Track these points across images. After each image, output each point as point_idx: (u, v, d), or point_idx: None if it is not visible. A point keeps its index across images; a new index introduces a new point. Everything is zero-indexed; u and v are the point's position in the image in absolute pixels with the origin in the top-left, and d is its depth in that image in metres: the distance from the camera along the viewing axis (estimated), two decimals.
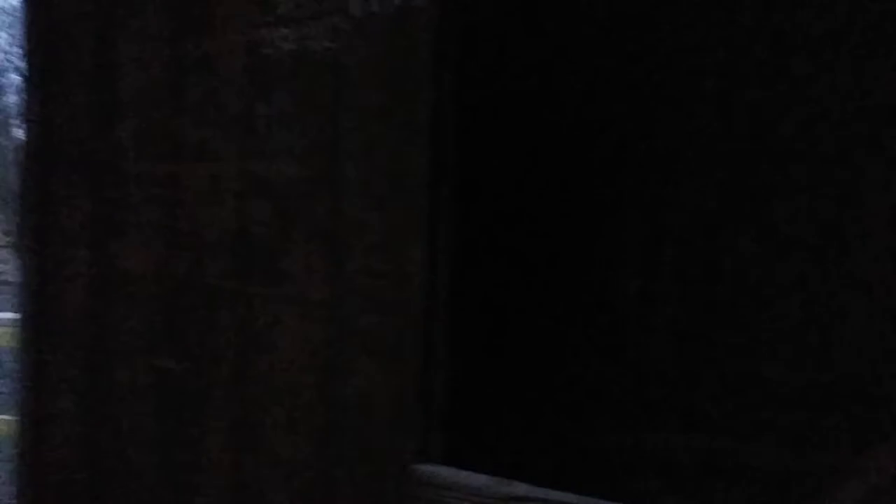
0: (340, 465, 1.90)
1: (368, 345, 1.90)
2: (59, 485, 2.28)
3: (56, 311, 2.36)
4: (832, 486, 1.61)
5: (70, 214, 2.34)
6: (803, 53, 2.07)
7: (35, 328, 2.40)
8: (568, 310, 2.15)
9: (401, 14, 1.93)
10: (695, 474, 2.18)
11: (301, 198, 2.02)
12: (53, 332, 2.36)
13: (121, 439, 2.19)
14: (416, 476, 1.77)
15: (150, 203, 2.19)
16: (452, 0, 1.92)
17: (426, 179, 1.90)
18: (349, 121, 1.98)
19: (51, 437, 2.31)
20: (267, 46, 2.10)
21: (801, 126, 2.14)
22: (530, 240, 2.10)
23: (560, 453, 2.15)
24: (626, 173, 2.20)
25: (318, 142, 2.02)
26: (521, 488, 1.59)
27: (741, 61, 2.11)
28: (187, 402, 2.07)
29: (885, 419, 1.93)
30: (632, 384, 2.26)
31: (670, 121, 2.17)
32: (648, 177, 2.20)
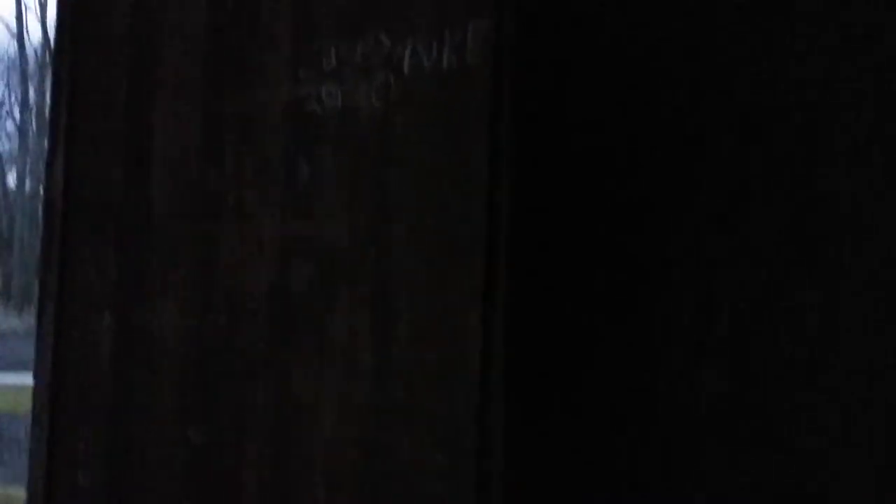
0: None
1: (418, 418, 1.78)
2: None
3: (75, 379, 2.23)
4: None
5: (94, 275, 2.22)
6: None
7: (51, 396, 2.27)
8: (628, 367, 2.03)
9: (455, 72, 1.86)
10: None
11: (346, 259, 1.91)
12: (72, 400, 2.23)
13: None
14: None
15: (183, 264, 2.09)
16: (509, 55, 1.85)
17: (482, 240, 1.80)
18: (399, 179, 1.89)
19: None
20: (311, 103, 2.02)
21: None
22: (583, 305, 2.00)
23: None
24: (676, 239, 2.10)
25: (365, 200, 1.92)
26: None
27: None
28: (219, 479, 1.93)
29: None
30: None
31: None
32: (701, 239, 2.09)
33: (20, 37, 17.51)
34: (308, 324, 1.90)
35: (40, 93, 17.43)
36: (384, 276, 1.87)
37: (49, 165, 2.39)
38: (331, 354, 1.88)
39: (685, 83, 2.10)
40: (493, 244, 1.81)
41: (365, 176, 1.93)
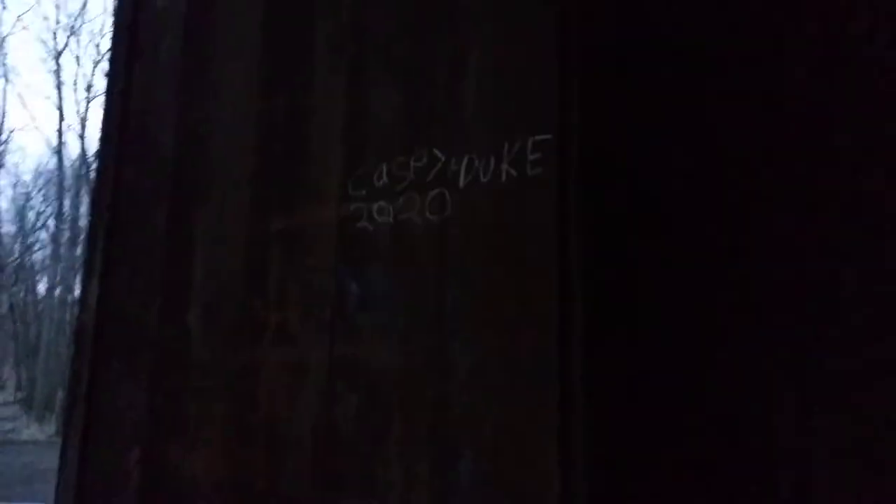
0: None
1: None
2: None
3: None
4: None
5: (124, 406, 2.06)
6: None
7: None
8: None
9: (515, 184, 1.73)
10: None
11: (400, 387, 1.74)
12: None
13: None
14: None
15: (219, 396, 1.92)
16: (574, 165, 1.71)
17: (554, 369, 1.63)
18: (459, 297, 1.73)
19: None
20: (361, 220, 1.89)
21: None
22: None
23: None
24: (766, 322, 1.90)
25: (420, 321, 1.76)
26: None
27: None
28: None
29: None
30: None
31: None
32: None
33: (59, 151, 18.00)
34: (357, 463, 1.72)
35: (75, 204, 17.77)
36: (444, 408, 1.69)
37: (84, 288, 2.26)
38: (386, 497, 1.69)
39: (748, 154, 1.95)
40: (567, 373, 1.64)
41: (421, 294, 1.77)
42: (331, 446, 1.77)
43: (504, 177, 1.75)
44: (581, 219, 1.69)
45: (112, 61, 2.49)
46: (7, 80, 24.35)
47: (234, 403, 1.90)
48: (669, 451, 1.83)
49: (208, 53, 2.26)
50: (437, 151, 1.83)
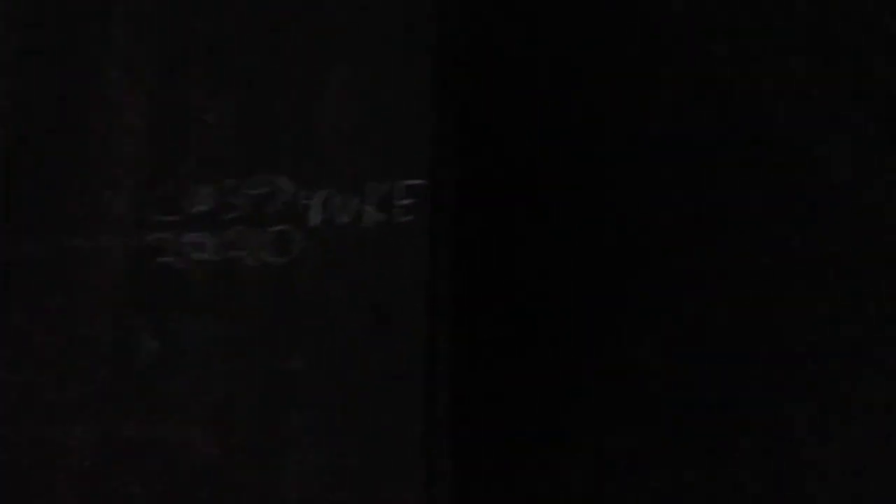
0: None
1: None
2: None
3: None
4: None
5: None
6: None
7: None
8: None
9: (382, 230, 1.43)
10: None
11: (214, 480, 1.31)
12: None
13: None
14: None
15: None
16: (449, 214, 1.46)
17: (419, 456, 1.31)
18: (302, 360, 1.36)
19: None
20: (165, 254, 1.46)
21: None
22: None
23: None
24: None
25: (248, 391, 1.36)
26: None
27: None
28: None
29: None
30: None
31: None
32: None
33: None
34: None
35: None
36: None
37: None
38: None
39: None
40: (433, 463, 1.32)
41: (250, 356, 1.38)
42: None
43: (367, 220, 1.45)
44: (455, 273, 1.43)
45: None
46: None
47: None
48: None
49: None
50: (282, 180, 1.49)
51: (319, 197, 1.47)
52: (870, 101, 1.72)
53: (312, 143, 1.49)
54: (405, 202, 1.44)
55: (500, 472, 1.54)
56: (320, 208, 1.47)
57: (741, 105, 1.77)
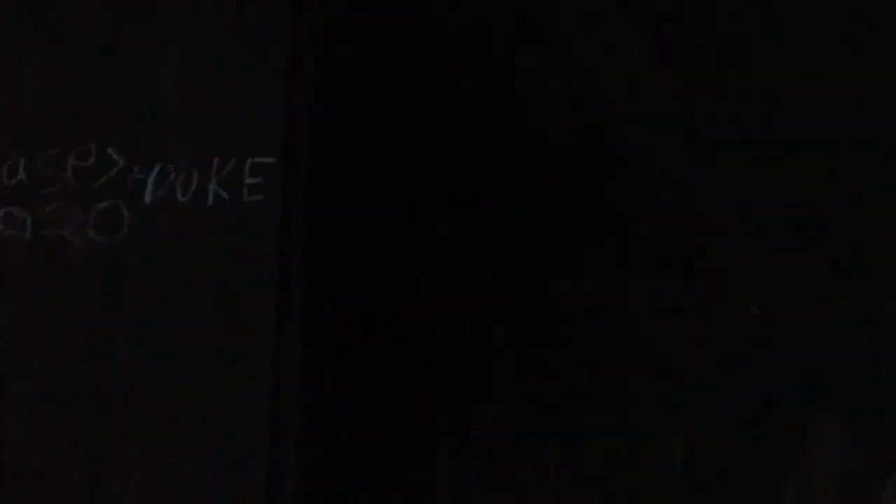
0: None
1: None
2: None
3: None
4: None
5: None
6: None
7: None
8: None
9: (228, 210, 1.31)
10: None
11: (37, 481, 1.14)
12: None
13: None
14: None
15: None
16: (299, 194, 1.37)
17: (264, 457, 1.20)
18: (131, 352, 1.22)
19: None
20: None
21: None
22: None
23: None
24: None
25: (66, 386, 1.20)
26: None
27: None
28: None
29: None
30: None
31: None
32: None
33: None
34: None
35: None
36: None
37: None
38: None
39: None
40: (279, 465, 1.22)
41: (72, 346, 1.21)
42: None
43: (211, 199, 1.33)
44: (306, 254, 1.34)
45: None
46: None
47: None
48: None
49: None
50: (111, 152, 1.34)
51: (155, 171, 1.33)
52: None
53: (149, 115, 1.36)
54: (254, 181, 1.34)
55: (346, 469, 1.46)
56: (155, 184, 1.33)
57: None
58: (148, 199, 1.33)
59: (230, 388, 1.24)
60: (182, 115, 1.36)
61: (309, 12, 1.44)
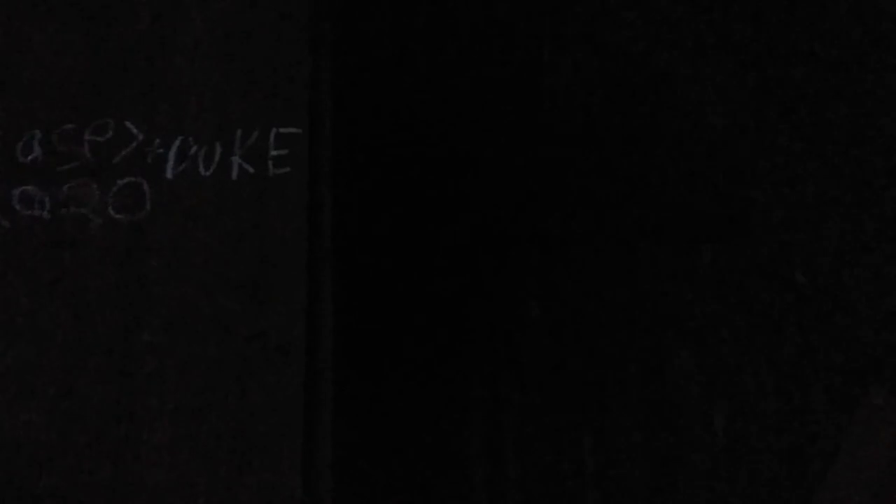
0: None
1: None
2: None
3: None
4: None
5: None
6: None
7: None
8: None
9: (253, 184, 1.26)
10: None
11: (51, 474, 1.10)
12: None
13: None
14: None
15: None
16: (327, 165, 1.31)
17: (297, 441, 1.16)
18: (155, 335, 1.17)
19: None
20: None
21: None
22: None
23: None
24: None
25: (90, 370, 1.15)
26: None
27: None
28: None
29: None
30: None
31: None
32: None
33: None
34: None
35: None
36: None
37: None
38: None
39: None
40: (312, 454, 1.17)
41: (93, 329, 1.17)
42: None
43: (236, 173, 1.27)
44: (336, 228, 1.28)
45: None
46: None
47: None
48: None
49: None
50: (130, 125, 1.28)
51: (176, 145, 1.28)
52: None
53: (167, 85, 1.29)
54: (279, 153, 1.28)
55: (379, 438, 1.42)
56: (176, 159, 1.27)
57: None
58: (169, 174, 1.27)
59: (261, 367, 1.19)
60: (202, 85, 1.30)
61: None
